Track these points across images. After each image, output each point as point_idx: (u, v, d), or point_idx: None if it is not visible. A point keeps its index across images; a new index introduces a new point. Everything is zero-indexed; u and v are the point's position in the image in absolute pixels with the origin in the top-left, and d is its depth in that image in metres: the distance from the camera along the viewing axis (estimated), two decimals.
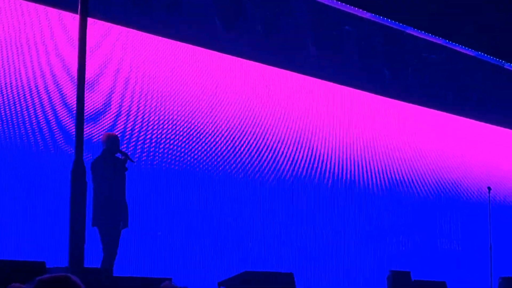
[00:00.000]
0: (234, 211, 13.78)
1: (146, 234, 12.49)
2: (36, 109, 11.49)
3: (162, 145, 12.94)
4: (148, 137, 12.80)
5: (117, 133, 11.23)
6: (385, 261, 15.25)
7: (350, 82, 15.73)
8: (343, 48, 15.42)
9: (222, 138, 13.74)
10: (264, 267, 12.85)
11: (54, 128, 11.62)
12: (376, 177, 15.96)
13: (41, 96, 11.55)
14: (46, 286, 2.93)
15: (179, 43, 13.30)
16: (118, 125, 12.43)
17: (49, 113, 11.62)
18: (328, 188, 15.18)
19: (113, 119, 12.39)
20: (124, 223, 10.24)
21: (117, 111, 12.46)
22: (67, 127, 11.52)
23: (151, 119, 12.87)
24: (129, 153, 10.76)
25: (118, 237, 10.19)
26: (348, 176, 15.49)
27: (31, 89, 11.44)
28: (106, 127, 12.16)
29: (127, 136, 12.48)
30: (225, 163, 13.74)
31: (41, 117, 11.55)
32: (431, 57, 16.26)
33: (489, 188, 14.75)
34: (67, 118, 11.55)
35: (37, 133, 11.52)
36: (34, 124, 11.46)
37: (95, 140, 11.75)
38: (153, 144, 12.83)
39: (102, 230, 10.20)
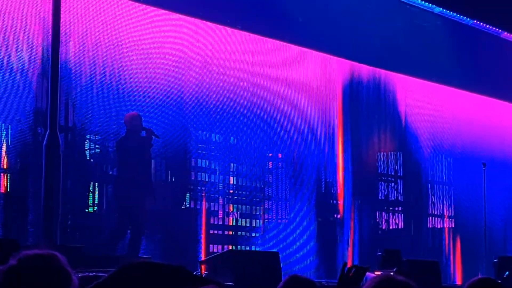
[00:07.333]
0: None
1: None
2: None
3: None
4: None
5: (138, 112, 11.32)
6: (376, 241, 15.28)
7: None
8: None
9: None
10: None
11: None
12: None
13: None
14: (29, 261, 2.95)
15: None
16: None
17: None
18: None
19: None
20: (154, 200, 10.93)
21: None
22: None
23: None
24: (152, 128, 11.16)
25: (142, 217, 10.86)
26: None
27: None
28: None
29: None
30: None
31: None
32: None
33: (484, 164, 14.65)
34: None
35: None
36: None
37: None
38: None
39: (120, 212, 10.93)
